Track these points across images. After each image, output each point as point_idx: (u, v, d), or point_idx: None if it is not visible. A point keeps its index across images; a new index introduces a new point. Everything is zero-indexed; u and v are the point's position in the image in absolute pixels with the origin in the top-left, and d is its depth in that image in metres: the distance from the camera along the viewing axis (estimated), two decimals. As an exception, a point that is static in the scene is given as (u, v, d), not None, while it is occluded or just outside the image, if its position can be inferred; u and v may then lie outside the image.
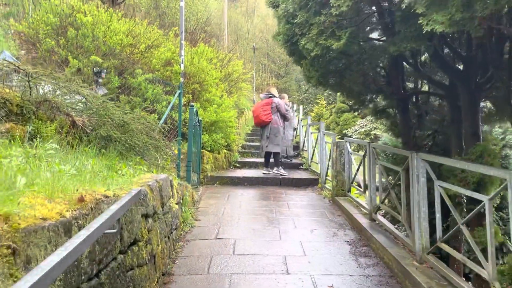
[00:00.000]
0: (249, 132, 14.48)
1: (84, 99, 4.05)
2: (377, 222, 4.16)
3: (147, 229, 2.56)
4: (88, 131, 3.71)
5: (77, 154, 3.43)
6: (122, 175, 3.51)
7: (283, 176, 7.35)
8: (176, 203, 4.16)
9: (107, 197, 1.86)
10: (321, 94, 22.92)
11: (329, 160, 6.47)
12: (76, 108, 3.88)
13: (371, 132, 13.59)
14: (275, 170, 7.56)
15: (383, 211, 4.37)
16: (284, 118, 7.60)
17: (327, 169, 6.59)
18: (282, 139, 7.55)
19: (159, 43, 8.07)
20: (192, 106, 5.73)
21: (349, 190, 5.59)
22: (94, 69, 6.42)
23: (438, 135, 4.04)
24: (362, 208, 4.83)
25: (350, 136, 14.78)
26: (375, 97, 4.39)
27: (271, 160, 7.88)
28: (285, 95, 8.50)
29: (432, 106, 4.14)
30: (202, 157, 7.07)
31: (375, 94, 4.27)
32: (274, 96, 7.60)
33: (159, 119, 6.92)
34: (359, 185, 5.37)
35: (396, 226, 4.13)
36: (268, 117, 7.39)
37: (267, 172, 7.84)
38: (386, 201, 4.38)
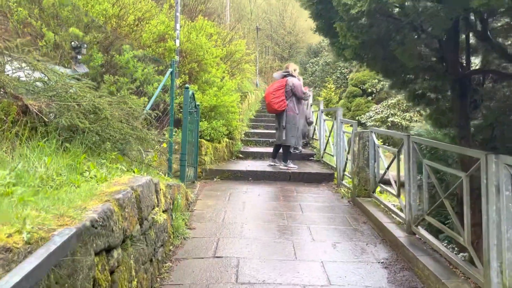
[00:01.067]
0: (253, 117, 13.62)
1: (46, 78, 3.20)
2: (418, 237, 3.34)
3: (108, 270, 1.74)
4: (46, 119, 2.87)
5: (26, 151, 2.61)
6: (90, 178, 2.70)
7: (292, 171, 6.52)
8: (164, 211, 3.36)
9: (8, 251, 1.03)
10: (329, 77, 21.91)
11: (347, 153, 5.63)
12: (33, 89, 3.02)
13: (388, 119, 12.69)
14: (282, 165, 6.72)
15: (425, 223, 3.55)
16: (298, 100, 6.72)
17: (345, 163, 5.75)
18: (298, 129, 6.71)
19: (151, 15, 7.15)
20: (187, 88, 4.87)
21: (374, 191, 4.76)
22: (72, 43, 5.54)
23: (501, 126, 3.19)
24: (394, 216, 4.01)
25: (364, 124, 13.83)
26: (423, 76, 3.50)
27: (280, 151, 7.04)
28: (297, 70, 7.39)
29: (493, 90, 3.29)
30: (199, 147, 6.24)
31: (423, 73, 3.38)
32: (291, 75, 6.70)
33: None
34: (385, 183, 4.54)
35: (446, 245, 3.31)
36: (282, 104, 6.52)
37: (273, 164, 7.02)
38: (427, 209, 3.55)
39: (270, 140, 9.60)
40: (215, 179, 6.32)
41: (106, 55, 6.30)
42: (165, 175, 4.67)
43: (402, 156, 3.74)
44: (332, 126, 6.93)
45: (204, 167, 6.36)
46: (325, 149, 7.50)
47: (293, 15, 33.46)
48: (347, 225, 4.15)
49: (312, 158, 7.91)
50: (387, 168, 4.21)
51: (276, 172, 6.48)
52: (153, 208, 2.91)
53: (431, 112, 3.89)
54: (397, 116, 12.64)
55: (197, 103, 6.16)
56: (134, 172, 3.23)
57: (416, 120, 12.42)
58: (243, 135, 9.81)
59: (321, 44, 29.35)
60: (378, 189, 4.81)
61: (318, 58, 28.42)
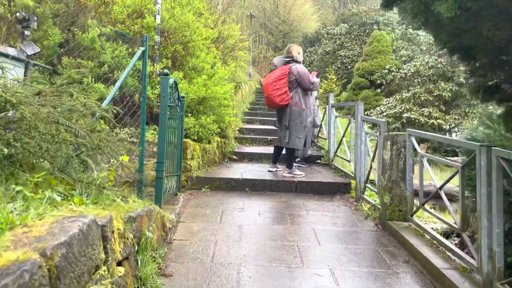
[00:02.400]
0: (247, 111, 12.53)
1: None
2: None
3: None
4: None
5: None
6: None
7: (299, 179, 5.44)
8: (124, 259, 2.26)
9: None
10: (330, 67, 20.85)
11: (372, 161, 4.55)
12: None
13: (403, 115, 11.61)
14: (286, 172, 5.64)
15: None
16: (304, 92, 5.62)
17: (369, 172, 4.68)
18: (306, 128, 5.63)
19: (126, -15, 5.95)
20: (167, 75, 3.74)
21: (413, 214, 3.70)
22: (18, 14, 4.36)
23: None
24: (449, 253, 2.94)
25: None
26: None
27: (284, 153, 5.94)
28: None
29: None
30: (184, 150, 5.14)
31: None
32: (295, 61, 5.59)
33: (123, 94, 4.95)
34: (431, 199, 3.49)
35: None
36: (284, 98, 5.44)
37: (273, 169, 5.95)
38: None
39: (268, 138, 8.52)
40: (203, 190, 5.22)
41: (67, 32, 5.11)
42: (137, 193, 3.57)
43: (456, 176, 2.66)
44: (348, 124, 5.85)
45: (190, 175, 5.25)
46: (336, 152, 6.42)
47: (288, 3, 32.63)
48: (383, 266, 3.08)
49: (319, 161, 6.84)
50: (440, 188, 3.13)
51: (279, 181, 5.39)
52: (96, 270, 1.80)
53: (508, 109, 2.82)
54: (414, 111, 11.60)
55: (182, 94, 5.03)
56: (73, 203, 2.11)
57: (437, 117, 11.46)
58: (237, 132, 8.71)
59: (320, 32, 28.25)
60: (421, 215, 3.75)
61: (317, 46, 27.29)
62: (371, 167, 4.61)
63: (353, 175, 5.33)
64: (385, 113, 12.13)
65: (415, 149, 3.69)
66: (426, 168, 3.44)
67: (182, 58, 6.04)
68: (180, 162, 4.94)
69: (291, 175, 5.59)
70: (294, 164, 6.32)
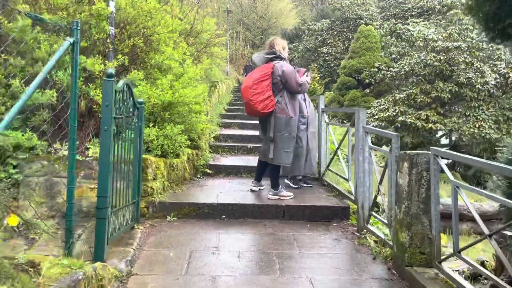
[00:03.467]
0: (224, 112, 11.65)
1: None
2: None
3: None
4: None
5: None
6: None
7: (287, 202, 4.57)
8: None
9: None
10: (313, 65, 20.12)
11: (379, 183, 3.71)
12: None
13: (397, 119, 10.83)
14: (271, 194, 4.76)
15: None
16: (292, 95, 4.77)
17: (375, 197, 3.84)
18: (292, 139, 4.75)
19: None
20: (111, 76, 2.79)
21: (442, 260, 2.88)
22: None
23: None
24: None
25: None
26: None
27: (269, 170, 5.06)
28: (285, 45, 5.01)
29: None
30: (144, 169, 4.20)
31: None
32: (278, 58, 4.73)
33: (63, 99, 4.00)
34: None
35: None
36: (268, 104, 4.58)
37: (256, 188, 5.08)
38: None
39: (249, 145, 7.65)
40: (168, 219, 4.29)
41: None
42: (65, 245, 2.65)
43: None
44: (345, 134, 5.01)
45: (152, 200, 4.30)
46: (328, 165, 5.57)
47: (266, -1, 32.14)
48: None
49: (307, 176, 5.97)
50: (490, 236, 2.30)
51: (263, 205, 4.51)
52: None
53: None
54: (409, 114, 10.88)
55: (140, 100, 4.08)
56: None
57: (435, 121, 10.76)
58: (212, 139, 7.79)
59: (300, 28, 27.54)
60: (450, 263, 2.93)
61: (297, 43, 26.55)
62: (378, 191, 3.77)
63: (351, 196, 4.50)
64: (376, 116, 11.39)
65: (447, 174, 2.86)
66: (466, 203, 2.61)
67: (143, 54, 5.07)
68: (138, 186, 4.00)
69: (277, 196, 4.71)
70: (287, 181, 5.47)
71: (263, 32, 31.43)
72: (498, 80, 11.06)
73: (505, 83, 11.25)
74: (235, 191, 5.06)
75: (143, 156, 4.28)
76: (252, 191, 5.09)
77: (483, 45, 11.49)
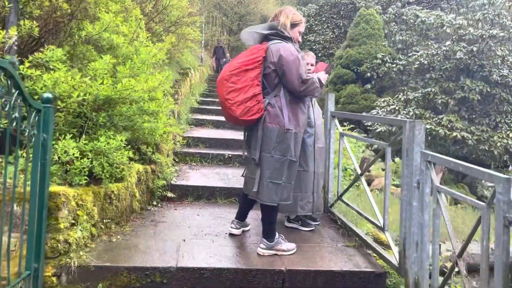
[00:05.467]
0: (196, 106, 10.06)
1: None
2: None
3: None
4: None
5: None
6: None
7: (287, 265, 3.03)
8: None
9: None
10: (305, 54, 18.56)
11: (461, 253, 2.21)
12: None
13: (412, 119, 9.41)
14: (262, 247, 3.18)
15: None
16: (293, 96, 3.22)
17: (447, 275, 2.34)
18: (292, 167, 3.22)
19: None
20: None
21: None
22: None
23: None
24: None
25: (369, 129, 9.91)
26: None
27: (257, 211, 3.51)
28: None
29: None
30: (53, 210, 2.57)
31: None
32: (278, 35, 3.16)
33: None
34: None
35: None
36: (253, 108, 3.06)
37: (237, 231, 3.55)
38: None
39: (226, 153, 6.18)
40: (93, 296, 2.67)
41: None
42: None
43: None
44: (379, 156, 3.49)
45: (67, 262, 2.69)
46: (342, 195, 4.05)
47: (245, -19, 30.96)
48: None
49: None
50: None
51: (251, 269, 2.94)
52: None
53: None
54: (427, 118, 9.44)
55: (48, 95, 2.46)
56: None
57: (460, 129, 9.35)
58: (179, 144, 6.18)
59: (284, 13, 25.94)
60: None
61: (279, 30, 24.94)
62: (455, 265, 2.27)
63: (388, 255, 2.99)
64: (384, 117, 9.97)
65: None
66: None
67: (67, 21, 3.38)
68: (39, 241, 2.41)
69: (272, 251, 3.16)
70: (291, 225, 3.96)
71: (241, 18, 30.63)
72: None
73: None
74: (207, 236, 3.49)
75: (52, 188, 2.66)
76: (232, 235, 3.53)
77: None
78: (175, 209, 4.25)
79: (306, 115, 3.37)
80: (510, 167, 10.66)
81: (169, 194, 4.51)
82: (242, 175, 3.50)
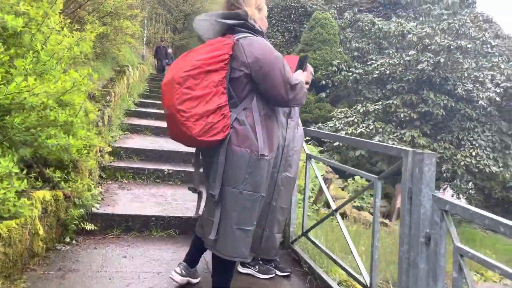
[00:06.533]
0: (133, 109, 9.08)
1: None
2: None
3: None
4: None
5: None
6: None
7: None
8: None
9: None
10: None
11: None
12: None
13: (374, 138, 8.73)
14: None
15: None
16: (271, 107, 2.47)
17: None
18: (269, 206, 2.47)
19: None
20: None
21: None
22: None
23: None
24: None
25: (325, 148, 9.25)
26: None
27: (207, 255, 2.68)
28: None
29: None
30: None
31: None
32: (246, 27, 2.38)
33: None
34: None
35: None
36: (215, 125, 2.24)
37: (180, 277, 2.77)
38: None
39: (166, 169, 5.29)
40: None
41: None
42: None
43: None
44: (363, 190, 2.80)
45: None
46: (308, 231, 3.34)
47: (190, -21, 30.51)
48: None
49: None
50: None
51: None
52: None
53: None
54: (389, 133, 8.96)
55: None
56: None
57: (423, 145, 8.98)
58: (107, 156, 5.23)
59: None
60: None
61: (227, 32, 24.36)
62: None
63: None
64: (342, 133, 9.38)
65: None
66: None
67: None
68: None
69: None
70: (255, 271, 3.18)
71: (186, 17, 30.21)
72: (497, 95, 9.75)
73: (506, 99, 9.96)
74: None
75: None
76: (173, 281, 2.71)
77: (487, 47, 10.07)
78: (95, 248, 3.33)
79: (280, 130, 2.64)
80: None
81: (89, 227, 3.57)
82: (196, 215, 2.65)
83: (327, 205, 6.42)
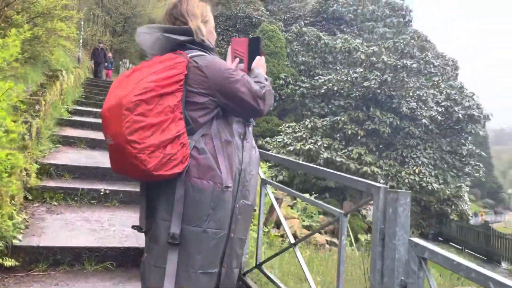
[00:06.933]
0: (67, 117, 8.41)
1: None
2: None
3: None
4: None
5: None
6: None
7: None
8: None
9: None
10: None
11: None
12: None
13: (321, 155, 8.59)
14: None
15: None
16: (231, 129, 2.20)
17: None
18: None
19: None
20: None
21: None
22: None
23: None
24: None
25: (269, 169, 9.28)
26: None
27: None
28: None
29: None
30: None
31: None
32: (197, 44, 2.11)
33: None
34: None
35: None
36: (174, 156, 1.92)
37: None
38: None
39: (102, 189, 4.85)
40: None
41: None
42: None
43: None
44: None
45: None
46: (262, 263, 3.09)
47: (129, -18, 29.99)
48: None
49: None
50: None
51: None
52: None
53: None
54: (336, 150, 8.94)
55: None
56: None
57: (368, 162, 9.03)
58: (34, 174, 4.69)
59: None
60: None
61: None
62: None
63: None
64: (291, 148, 9.23)
65: None
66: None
67: None
68: None
69: None
70: None
71: (126, 20, 29.42)
72: (438, 113, 10.15)
73: (446, 118, 10.38)
74: None
75: None
76: None
77: (430, 67, 10.45)
78: (13, 291, 2.85)
79: (236, 155, 2.37)
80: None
81: (9, 263, 3.07)
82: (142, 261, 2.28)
83: (277, 226, 6.24)
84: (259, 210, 3.29)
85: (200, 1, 2.34)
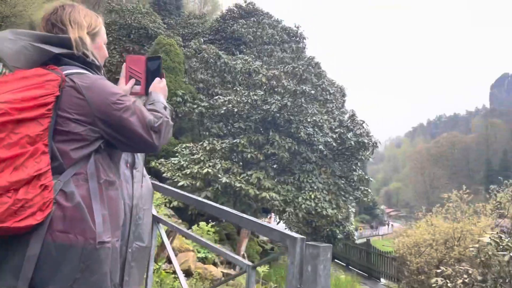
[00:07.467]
0: None
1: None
2: None
3: None
4: None
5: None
6: None
7: None
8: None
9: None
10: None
11: None
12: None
13: (220, 180, 8.10)
14: None
15: None
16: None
17: None
18: None
19: None
20: None
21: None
22: None
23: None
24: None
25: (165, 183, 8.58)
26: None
27: None
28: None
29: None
30: None
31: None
32: (75, 59, 1.65)
33: None
34: None
35: None
36: (29, 203, 1.42)
37: None
38: None
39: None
40: None
41: None
42: None
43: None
44: None
45: None
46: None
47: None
48: None
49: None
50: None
51: None
52: None
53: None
54: (235, 174, 8.52)
55: None
56: None
57: (268, 187, 8.77)
58: None
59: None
60: None
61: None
62: None
63: None
64: (187, 171, 8.65)
65: None
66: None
67: None
68: None
69: None
70: None
71: (4, 19, 26.28)
72: (333, 140, 10.48)
73: (338, 144, 10.74)
74: None
75: None
76: None
77: (326, 94, 10.73)
78: None
79: (126, 189, 1.93)
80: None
81: None
82: None
83: (169, 261, 5.73)
84: (149, 254, 2.83)
85: (90, 11, 1.90)
